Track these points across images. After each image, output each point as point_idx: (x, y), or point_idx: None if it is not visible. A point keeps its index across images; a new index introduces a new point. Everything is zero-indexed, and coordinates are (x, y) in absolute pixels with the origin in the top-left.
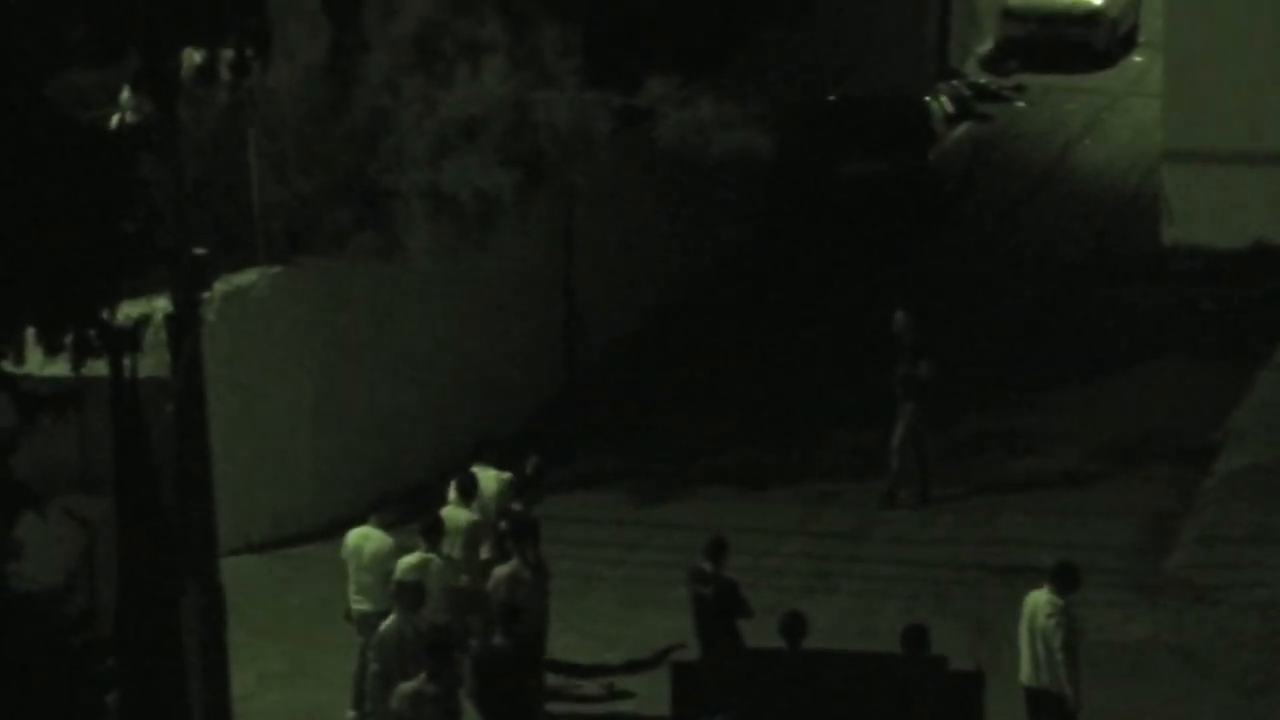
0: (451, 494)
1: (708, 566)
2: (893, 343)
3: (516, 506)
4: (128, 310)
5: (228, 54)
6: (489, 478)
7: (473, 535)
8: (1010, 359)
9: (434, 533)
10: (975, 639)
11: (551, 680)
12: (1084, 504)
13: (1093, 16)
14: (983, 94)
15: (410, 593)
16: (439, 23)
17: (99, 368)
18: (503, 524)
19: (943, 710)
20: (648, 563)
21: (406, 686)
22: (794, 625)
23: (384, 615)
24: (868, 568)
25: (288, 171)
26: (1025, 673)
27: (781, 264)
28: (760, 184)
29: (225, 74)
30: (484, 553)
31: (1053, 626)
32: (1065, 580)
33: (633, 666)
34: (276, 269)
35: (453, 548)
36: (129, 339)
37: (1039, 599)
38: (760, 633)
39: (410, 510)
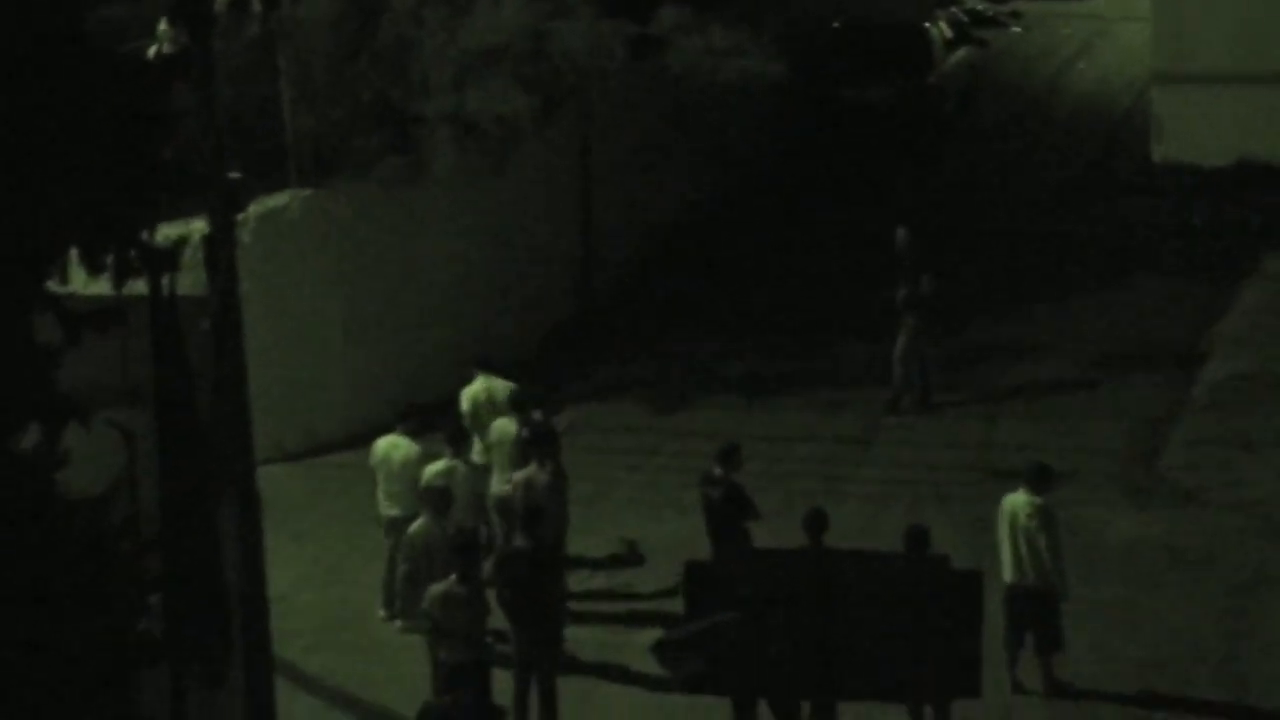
0: (465, 405)
1: (718, 471)
2: (895, 260)
3: (537, 415)
4: (166, 231)
5: None
6: (499, 387)
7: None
8: (1007, 272)
9: (459, 440)
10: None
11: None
12: (1078, 409)
13: None
14: (980, 20)
15: (438, 497)
16: None
17: (139, 287)
18: (524, 431)
19: (944, 606)
20: (663, 468)
21: (436, 588)
22: (816, 521)
23: (412, 520)
24: (873, 471)
25: (317, 99)
26: (1009, 572)
27: (791, 183)
28: (771, 107)
29: (257, 6)
30: None
31: (1036, 526)
32: (1040, 480)
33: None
34: (308, 192)
35: (501, 457)
36: (167, 259)
37: (1018, 501)
38: (772, 534)
39: (436, 419)
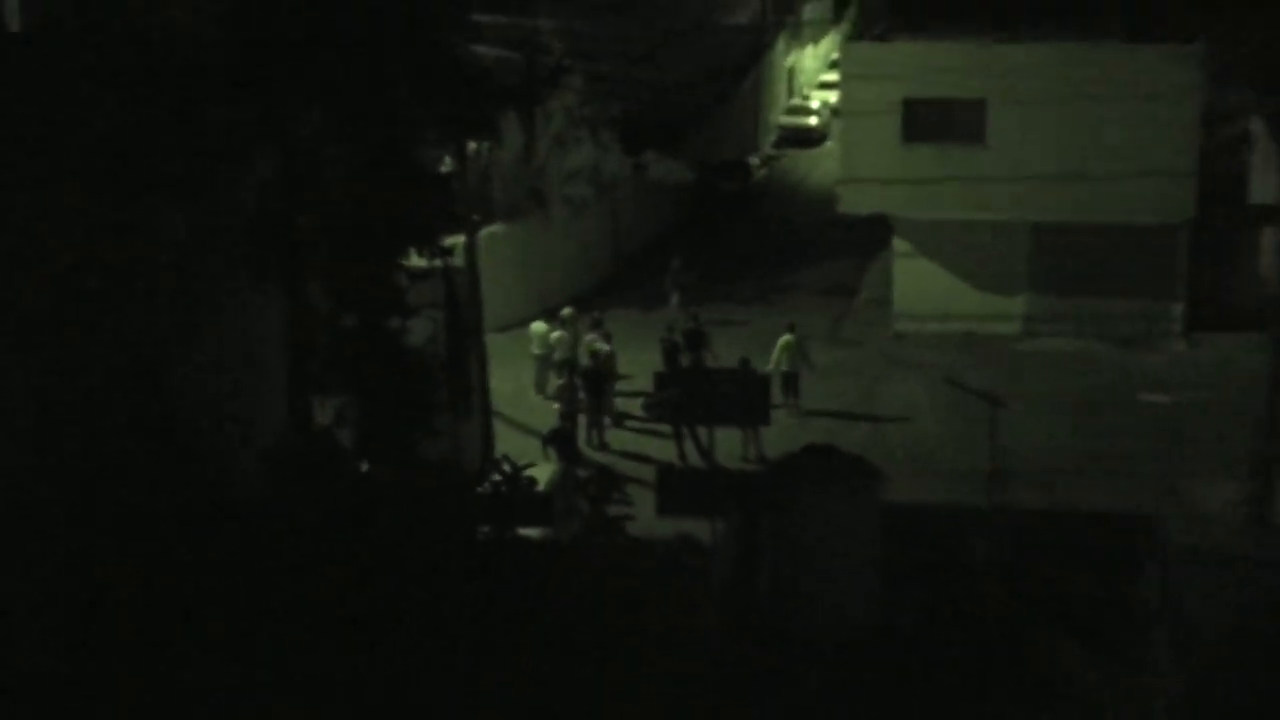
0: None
1: (666, 334)
2: (667, 260)
3: (597, 314)
4: (449, 240)
5: (483, 145)
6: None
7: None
8: (775, 258)
9: (563, 322)
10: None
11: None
12: (810, 310)
13: (812, 127)
14: (770, 158)
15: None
16: (566, 132)
17: (438, 262)
18: (590, 320)
19: (752, 384)
20: (649, 333)
21: (555, 381)
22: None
23: (547, 356)
24: (733, 344)
25: (507, 186)
26: (785, 365)
27: (701, 221)
28: (689, 192)
29: (483, 150)
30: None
31: (793, 345)
32: (792, 330)
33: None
34: (504, 225)
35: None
36: (449, 252)
37: (788, 339)
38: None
39: (555, 313)
